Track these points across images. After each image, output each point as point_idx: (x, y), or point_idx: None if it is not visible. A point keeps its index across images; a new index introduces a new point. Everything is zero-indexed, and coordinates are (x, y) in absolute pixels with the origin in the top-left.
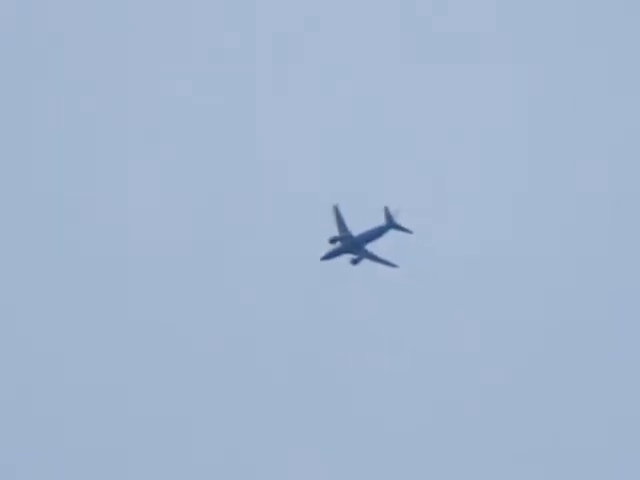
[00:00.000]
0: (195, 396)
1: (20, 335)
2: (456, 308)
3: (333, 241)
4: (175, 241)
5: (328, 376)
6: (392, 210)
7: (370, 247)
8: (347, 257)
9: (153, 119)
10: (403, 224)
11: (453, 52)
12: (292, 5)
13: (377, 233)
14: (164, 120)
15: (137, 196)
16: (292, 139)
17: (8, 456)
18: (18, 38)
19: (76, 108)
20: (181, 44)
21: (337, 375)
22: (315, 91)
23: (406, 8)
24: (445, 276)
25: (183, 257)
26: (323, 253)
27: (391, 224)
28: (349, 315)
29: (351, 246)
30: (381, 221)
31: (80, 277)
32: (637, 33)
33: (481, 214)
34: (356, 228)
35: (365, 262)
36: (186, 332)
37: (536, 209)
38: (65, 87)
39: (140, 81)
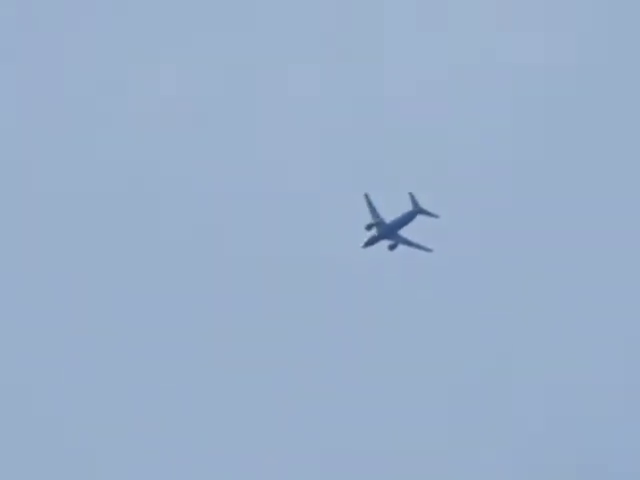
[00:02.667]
0: None
1: None
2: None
3: (369, 227)
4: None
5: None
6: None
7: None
8: (385, 243)
9: None
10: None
11: None
12: None
13: (407, 219)
14: None
15: None
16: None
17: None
18: None
19: None
20: None
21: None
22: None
23: None
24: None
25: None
26: (363, 241)
27: (418, 209)
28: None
29: (386, 232)
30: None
31: None
32: None
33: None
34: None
35: (401, 247)
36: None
37: None
38: None
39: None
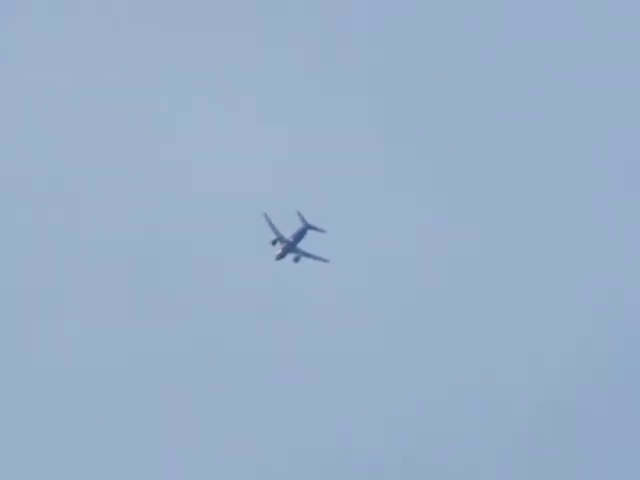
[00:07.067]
0: None
1: None
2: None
3: (274, 243)
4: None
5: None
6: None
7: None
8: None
9: None
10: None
11: None
12: None
13: (301, 234)
14: None
15: None
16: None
17: None
18: None
19: None
20: None
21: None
22: None
23: None
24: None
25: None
26: (275, 254)
27: (307, 225)
28: None
29: (290, 247)
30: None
31: None
32: None
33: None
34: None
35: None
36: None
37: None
38: None
39: None
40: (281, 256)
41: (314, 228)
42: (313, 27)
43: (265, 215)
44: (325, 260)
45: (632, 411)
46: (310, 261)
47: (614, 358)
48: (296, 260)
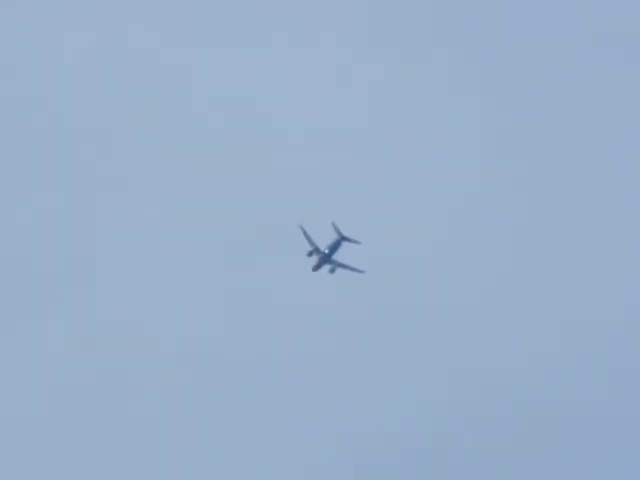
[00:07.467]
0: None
1: None
2: None
3: (310, 254)
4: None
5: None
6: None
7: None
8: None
9: None
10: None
11: None
12: None
13: (336, 245)
14: None
15: None
16: None
17: None
18: None
19: None
20: None
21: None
22: None
23: None
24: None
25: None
26: (311, 265)
27: (342, 237)
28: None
29: (326, 258)
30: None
31: None
32: None
33: None
34: None
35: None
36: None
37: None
38: None
39: None
40: (317, 267)
41: (349, 240)
42: None
43: (301, 227)
44: (360, 271)
45: (632, 410)
46: (346, 272)
47: (614, 360)
48: (332, 271)
